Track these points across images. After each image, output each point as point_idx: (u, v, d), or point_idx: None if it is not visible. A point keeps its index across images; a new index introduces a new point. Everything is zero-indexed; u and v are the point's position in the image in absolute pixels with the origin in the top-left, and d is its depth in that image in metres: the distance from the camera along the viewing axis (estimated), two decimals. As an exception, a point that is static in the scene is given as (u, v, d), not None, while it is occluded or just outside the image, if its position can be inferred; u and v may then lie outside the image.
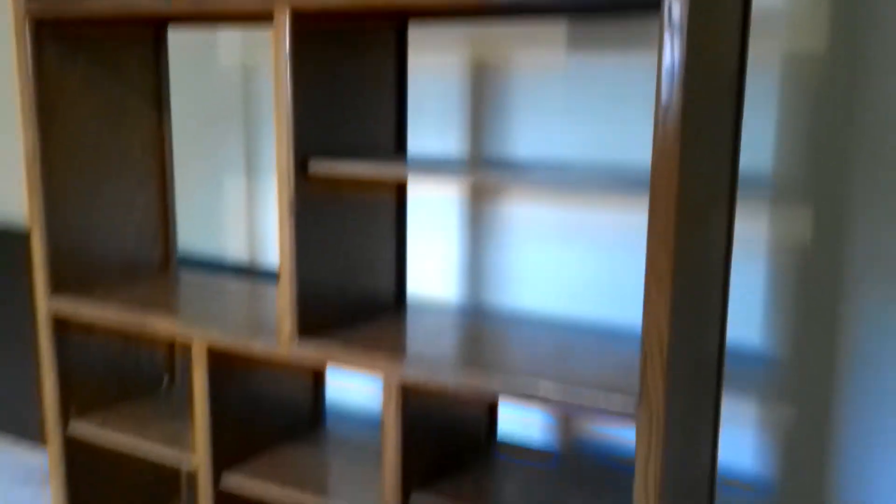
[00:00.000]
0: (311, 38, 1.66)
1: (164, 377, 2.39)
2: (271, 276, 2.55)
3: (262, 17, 1.81)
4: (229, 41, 2.52)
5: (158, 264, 2.31)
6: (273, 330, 1.79)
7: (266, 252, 2.58)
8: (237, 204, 2.61)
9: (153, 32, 2.22)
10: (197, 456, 1.89)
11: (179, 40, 2.60)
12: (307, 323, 1.72)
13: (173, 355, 2.41)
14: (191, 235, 2.69)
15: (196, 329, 1.83)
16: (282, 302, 1.71)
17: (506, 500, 1.69)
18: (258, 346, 1.75)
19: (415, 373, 1.58)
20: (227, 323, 1.84)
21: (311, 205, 1.71)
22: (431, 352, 1.69)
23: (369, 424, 2.16)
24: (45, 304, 2.04)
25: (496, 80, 2.08)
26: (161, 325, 1.88)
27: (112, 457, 2.24)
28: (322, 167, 1.67)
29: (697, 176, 1.39)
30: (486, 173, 1.52)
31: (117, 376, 2.25)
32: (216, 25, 2.26)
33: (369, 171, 1.63)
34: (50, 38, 1.96)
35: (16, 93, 3.08)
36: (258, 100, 2.50)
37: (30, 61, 1.92)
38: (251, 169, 2.56)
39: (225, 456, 1.90)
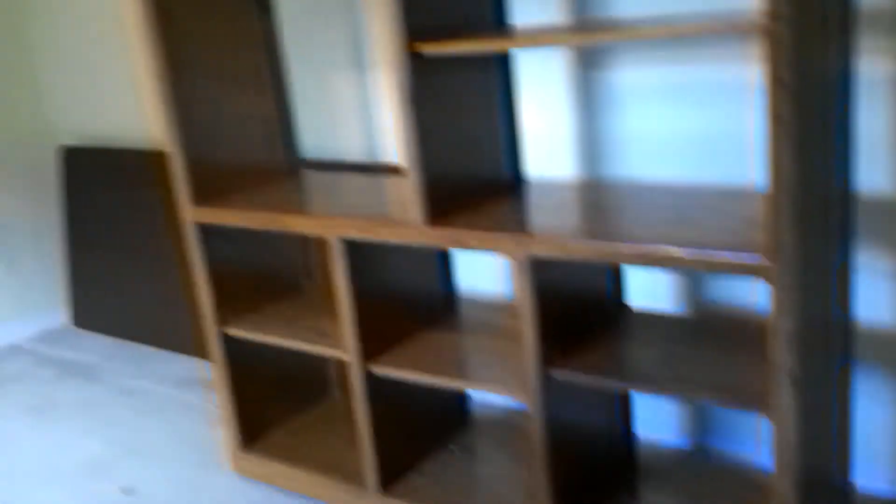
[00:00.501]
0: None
1: (301, 276, 2.52)
2: (392, 170, 2.60)
3: None
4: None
5: (284, 168, 2.41)
6: (402, 219, 1.85)
7: (383, 146, 2.62)
8: (350, 99, 2.64)
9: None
10: (345, 348, 2.01)
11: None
12: (433, 208, 1.77)
13: (309, 254, 2.53)
14: (310, 136, 2.76)
15: (330, 224, 1.91)
16: (407, 189, 1.76)
17: (642, 366, 1.73)
18: (389, 234, 1.83)
19: (542, 248, 1.61)
20: (357, 216, 1.92)
21: (423, 88, 1.70)
22: (555, 226, 1.71)
23: (500, 306, 2.22)
24: (189, 215, 2.17)
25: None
26: (297, 223, 1.97)
27: (267, 354, 2.39)
28: (430, 48, 1.68)
29: (811, 11, 1.34)
30: (595, 32, 1.49)
31: (260, 279, 2.38)
32: None
33: (478, 47, 1.63)
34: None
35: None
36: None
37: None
38: (360, 62, 2.57)
39: (370, 345, 1.99)
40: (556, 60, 2.14)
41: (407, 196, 1.76)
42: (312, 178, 2.35)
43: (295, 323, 2.23)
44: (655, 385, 1.63)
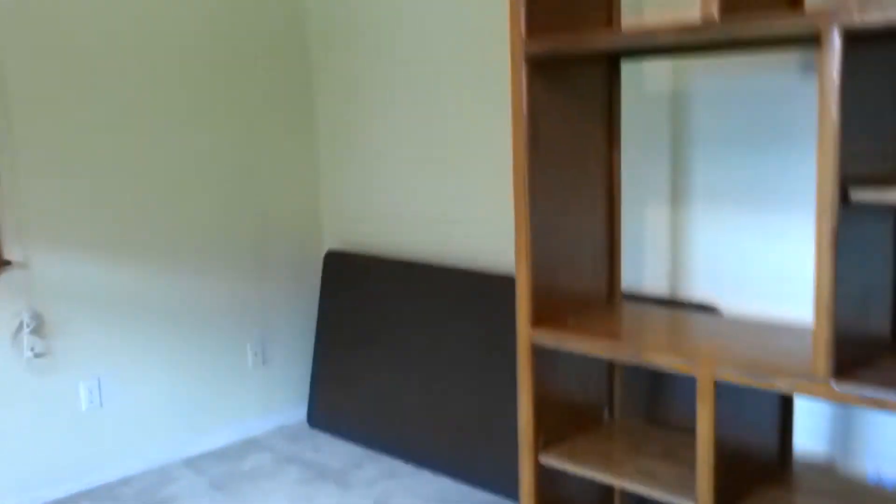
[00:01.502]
0: (859, 60, 1.57)
1: (603, 407, 2.38)
2: (697, 308, 2.47)
3: (795, 41, 1.74)
4: (657, 68, 2.50)
5: (605, 297, 2.32)
6: (799, 369, 1.69)
7: (690, 285, 2.51)
8: (659, 233, 2.56)
9: (608, 63, 2.23)
10: (697, 496, 1.84)
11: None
12: (841, 362, 1.62)
13: (613, 385, 2.40)
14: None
15: (705, 362, 1.78)
16: (817, 339, 1.61)
17: None
18: (785, 384, 1.67)
19: None
20: (737, 358, 1.78)
21: (851, 236, 1.60)
22: None
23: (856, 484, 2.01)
24: (527, 336, 2.09)
25: None
26: (661, 358, 1.85)
27: (572, 488, 2.25)
28: (865, 195, 1.56)
29: None
30: None
31: (567, 407, 2.26)
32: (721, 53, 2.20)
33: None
34: (537, 74, 2.02)
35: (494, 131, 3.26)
36: (687, 127, 2.44)
37: (524, 98, 1.99)
38: (676, 198, 2.51)
39: (723, 496, 1.83)
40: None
41: (816, 344, 1.60)
42: (637, 309, 2.24)
43: (612, 458, 2.09)
44: None
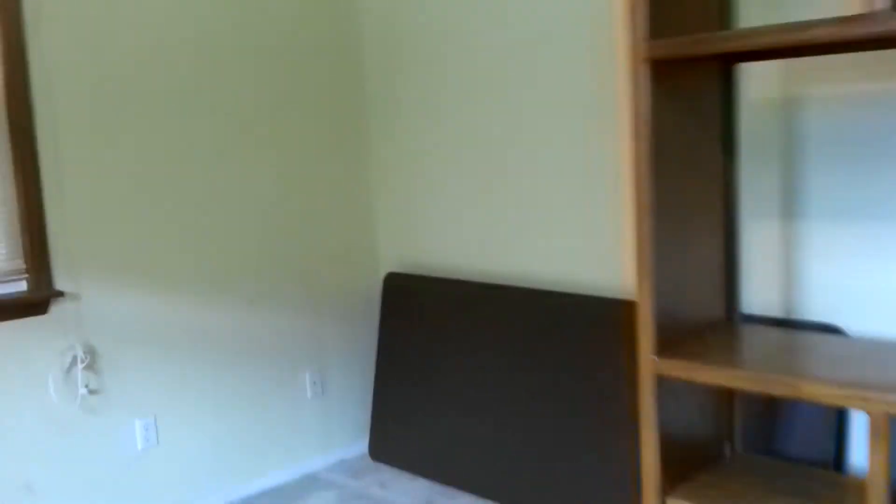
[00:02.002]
0: None
1: (724, 441, 2.18)
2: (820, 329, 2.27)
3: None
4: (763, 71, 2.31)
5: (723, 318, 2.12)
6: None
7: (804, 305, 2.31)
8: (769, 251, 2.37)
9: (722, 67, 2.05)
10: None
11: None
12: None
13: (732, 417, 2.20)
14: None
15: (873, 397, 1.58)
16: None
17: None
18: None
19: None
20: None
21: None
22: None
23: None
24: (652, 368, 1.90)
25: None
26: (822, 392, 1.65)
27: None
28: None
29: None
30: None
31: (686, 443, 2.07)
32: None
33: None
34: (657, 79, 1.84)
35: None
36: (800, 136, 2.25)
37: (646, 105, 1.80)
38: (787, 212, 2.31)
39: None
40: None
41: None
42: (769, 334, 2.04)
43: (745, 499, 1.88)
44: None
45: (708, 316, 2.05)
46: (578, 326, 2.76)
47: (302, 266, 3.30)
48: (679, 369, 1.84)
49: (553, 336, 2.84)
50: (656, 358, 1.87)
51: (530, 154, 2.97)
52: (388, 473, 3.31)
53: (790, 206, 2.31)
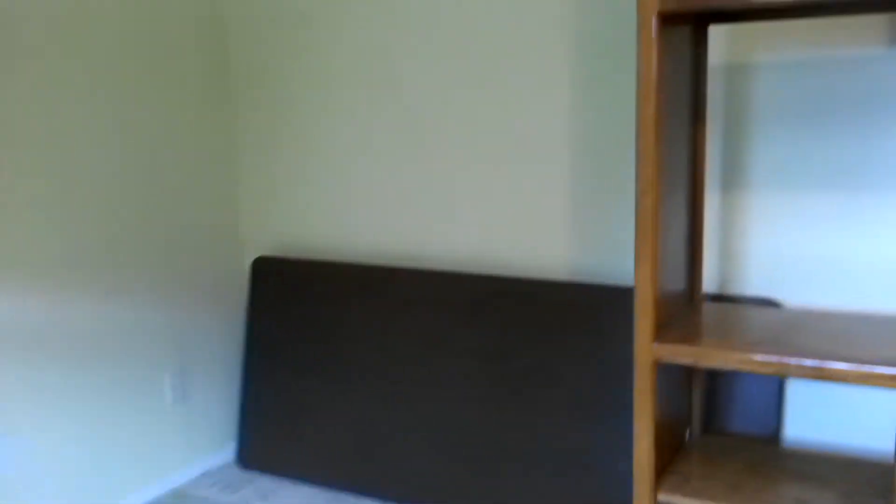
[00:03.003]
0: None
1: (686, 426, 2.07)
2: (759, 303, 2.23)
3: None
4: (710, 38, 2.21)
5: (688, 295, 2.00)
6: None
7: (742, 280, 2.26)
8: (709, 222, 2.29)
9: (696, 29, 1.91)
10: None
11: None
12: None
13: (692, 403, 2.09)
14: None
15: (912, 376, 1.50)
16: None
17: None
18: None
19: None
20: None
21: None
22: None
23: None
24: (647, 352, 1.72)
25: None
26: (850, 372, 1.55)
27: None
28: None
29: None
30: None
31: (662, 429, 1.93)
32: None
33: None
34: (664, 36, 1.66)
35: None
36: (742, 104, 2.18)
37: (654, 65, 1.61)
38: (728, 183, 2.24)
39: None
40: None
41: None
42: (735, 311, 1.94)
43: (742, 488, 1.78)
44: None
45: (677, 295, 1.92)
46: (485, 307, 2.56)
47: (160, 253, 2.84)
48: (684, 354, 1.68)
49: (451, 320, 2.62)
50: (657, 344, 1.70)
51: (444, 122, 2.71)
52: (265, 482, 2.94)
53: (731, 177, 2.24)
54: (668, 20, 1.67)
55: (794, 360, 1.58)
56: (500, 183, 2.61)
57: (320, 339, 2.90)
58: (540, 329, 2.49)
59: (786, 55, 2.12)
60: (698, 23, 1.90)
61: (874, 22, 2.01)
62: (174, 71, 2.84)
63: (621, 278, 2.45)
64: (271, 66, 2.98)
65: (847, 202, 2.10)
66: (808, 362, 1.57)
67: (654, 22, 1.59)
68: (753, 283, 2.25)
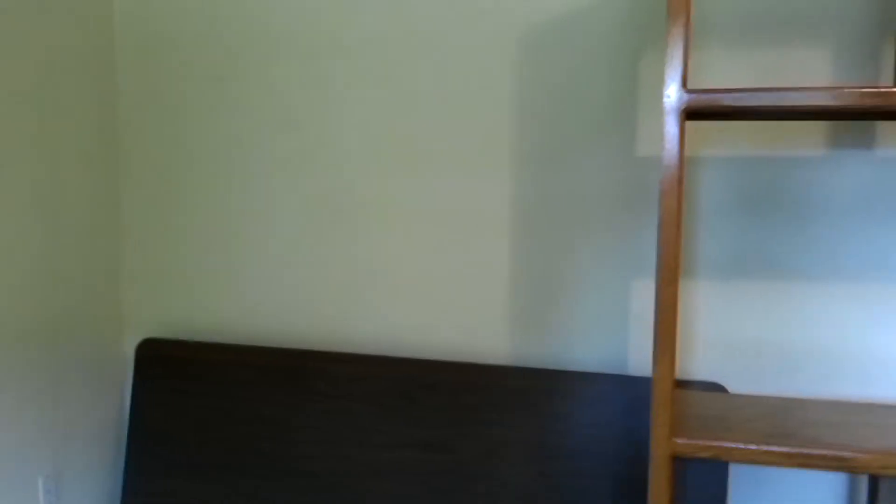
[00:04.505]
0: None
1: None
2: (707, 387, 2.29)
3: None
4: (653, 131, 2.29)
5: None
6: None
7: (688, 363, 2.32)
8: (647, 309, 2.34)
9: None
10: None
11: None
12: None
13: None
14: (587, 347, 2.38)
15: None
16: None
17: None
18: None
19: None
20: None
21: None
22: None
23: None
24: (666, 448, 1.69)
25: None
26: (870, 461, 1.60)
27: None
28: None
29: None
30: None
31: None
32: None
33: None
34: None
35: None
36: (693, 193, 2.26)
37: (676, 157, 1.62)
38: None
39: None
40: None
41: None
42: (704, 397, 1.97)
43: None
44: None
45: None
46: (398, 393, 2.44)
47: (32, 338, 2.47)
48: (705, 450, 1.67)
49: (365, 407, 2.48)
50: (678, 439, 1.68)
51: (370, 194, 2.59)
52: None
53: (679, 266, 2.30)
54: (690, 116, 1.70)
55: (816, 451, 1.61)
56: (434, 261, 2.52)
57: (221, 435, 2.63)
58: (479, 416, 2.40)
59: (731, 152, 2.23)
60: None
61: (817, 127, 2.17)
62: (52, 118, 2.52)
63: (561, 363, 2.42)
64: (166, 118, 2.73)
65: (788, 290, 2.22)
66: (831, 453, 1.61)
67: (681, 119, 1.61)
68: (699, 369, 2.31)
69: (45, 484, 2.50)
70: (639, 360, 2.36)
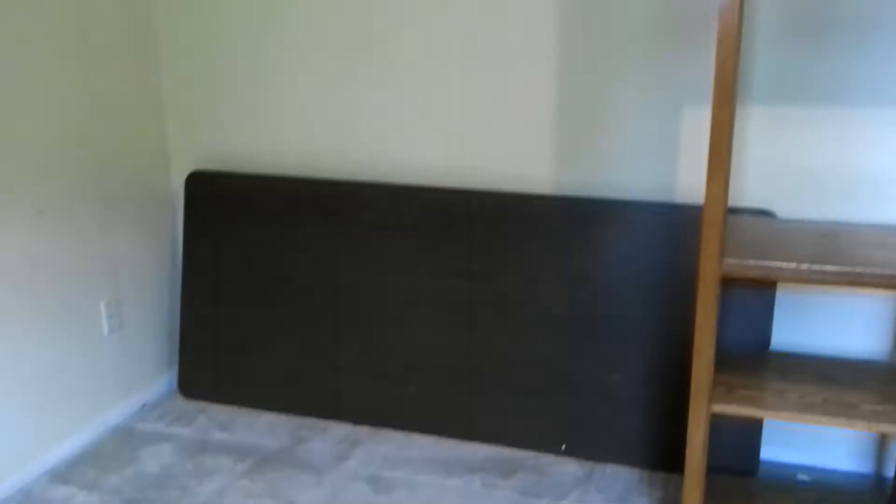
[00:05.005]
0: None
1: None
2: (754, 214, 2.27)
3: None
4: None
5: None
6: None
7: (737, 190, 2.30)
8: (697, 135, 2.30)
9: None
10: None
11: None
12: None
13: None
14: (633, 175, 2.37)
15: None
16: None
17: None
18: None
19: None
20: None
21: None
22: None
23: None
24: (714, 269, 1.71)
25: None
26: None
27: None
28: None
29: None
30: None
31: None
32: None
33: None
34: None
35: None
36: (747, 15, 2.16)
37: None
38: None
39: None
40: None
41: None
42: (747, 222, 1.97)
43: (787, 397, 1.83)
44: None
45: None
46: (437, 222, 2.48)
47: (91, 168, 2.51)
48: (754, 269, 1.69)
49: (403, 235, 2.52)
50: (728, 259, 1.69)
51: (413, 21, 2.52)
52: (217, 412, 2.75)
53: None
54: None
55: (868, 270, 1.62)
56: (475, 90, 2.48)
57: (267, 261, 2.71)
58: (521, 245, 2.43)
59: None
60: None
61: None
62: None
63: (606, 192, 2.42)
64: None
65: (842, 116, 2.16)
66: (882, 271, 1.62)
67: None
68: (748, 195, 2.29)
69: (108, 308, 2.62)
70: (686, 187, 2.34)
